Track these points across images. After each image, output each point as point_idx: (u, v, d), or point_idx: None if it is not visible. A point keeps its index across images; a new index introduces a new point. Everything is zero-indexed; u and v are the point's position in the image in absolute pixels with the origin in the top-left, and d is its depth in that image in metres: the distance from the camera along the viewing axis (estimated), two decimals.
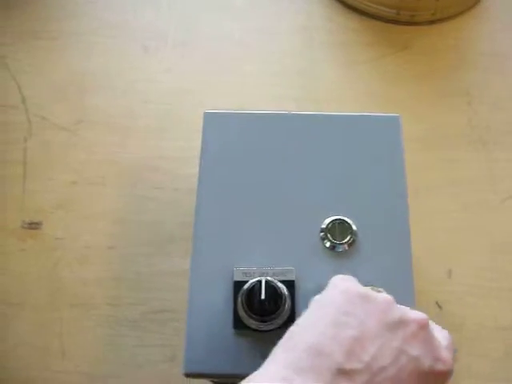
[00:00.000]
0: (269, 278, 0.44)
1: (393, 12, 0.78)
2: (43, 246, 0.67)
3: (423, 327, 0.38)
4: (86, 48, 0.81)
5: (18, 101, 0.76)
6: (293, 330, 0.36)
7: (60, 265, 0.66)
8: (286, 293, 0.45)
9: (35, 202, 0.69)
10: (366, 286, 0.42)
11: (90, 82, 0.78)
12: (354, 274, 0.46)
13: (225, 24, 0.83)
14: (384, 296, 0.38)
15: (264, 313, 0.43)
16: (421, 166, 0.69)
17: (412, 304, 0.46)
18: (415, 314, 0.38)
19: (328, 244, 0.48)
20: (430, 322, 0.40)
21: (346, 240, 0.48)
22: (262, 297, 0.43)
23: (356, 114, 0.54)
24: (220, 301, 0.46)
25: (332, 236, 0.48)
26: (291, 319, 0.44)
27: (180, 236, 0.66)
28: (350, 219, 0.49)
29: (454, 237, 0.66)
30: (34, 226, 0.68)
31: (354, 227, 0.49)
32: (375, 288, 0.42)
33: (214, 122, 0.54)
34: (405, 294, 0.46)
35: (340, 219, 0.49)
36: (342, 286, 0.38)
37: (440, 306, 0.63)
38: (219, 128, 0.53)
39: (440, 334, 0.41)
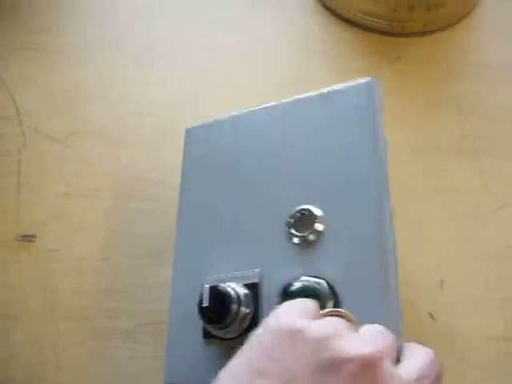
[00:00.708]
0: (218, 284, 0.43)
1: (385, 24, 0.79)
2: (37, 258, 0.67)
3: (368, 366, 0.30)
4: (79, 60, 0.81)
5: (13, 112, 0.76)
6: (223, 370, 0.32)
7: (55, 277, 0.66)
8: (241, 297, 0.44)
9: (29, 215, 0.69)
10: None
11: (83, 93, 0.78)
12: (322, 270, 0.44)
13: (219, 35, 0.83)
14: (317, 331, 0.31)
15: (209, 320, 0.42)
16: (412, 175, 0.70)
17: (378, 301, 0.41)
18: (359, 350, 0.30)
19: (295, 240, 0.46)
20: (404, 345, 0.36)
21: (310, 230, 0.45)
22: (205, 304, 0.42)
23: (324, 91, 0.51)
24: (196, 311, 0.45)
25: (296, 228, 0.46)
26: (254, 323, 0.43)
27: (172, 247, 0.66)
28: (318, 209, 0.46)
29: (446, 247, 0.67)
30: (28, 238, 0.68)
31: (320, 215, 0.46)
32: (337, 311, 0.37)
33: (194, 137, 0.54)
34: (372, 290, 0.42)
35: (305, 209, 0.46)
36: (273, 321, 0.33)
37: (433, 317, 0.64)
38: (198, 141, 0.54)
39: (414, 361, 0.35)
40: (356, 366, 0.29)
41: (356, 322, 0.36)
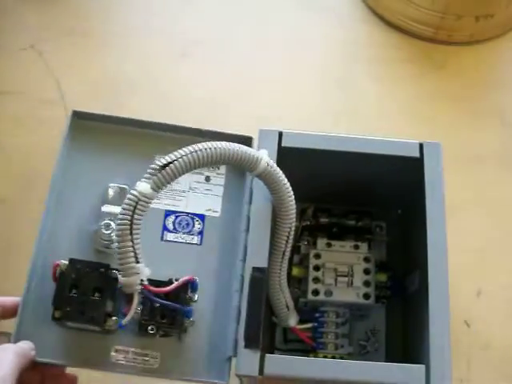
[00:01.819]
0: None
1: (431, 31, 0.79)
2: None
3: None
4: (126, 49, 0.82)
5: (58, 97, 0.77)
6: None
7: None
8: None
9: None
10: None
11: (127, 82, 0.79)
12: None
13: (265, 34, 0.84)
14: None
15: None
16: (454, 184, 0.69)
17: None
18: None
19: None
20: None
21: None
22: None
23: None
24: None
25: None
26: None
27: None
28: None
29: (484, 257, 0.67)
30: None
31: None
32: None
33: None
34: None
35: None
36: None
37: (468, 325, 0.64)
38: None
39: None
40: None
41: None
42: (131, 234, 0.43)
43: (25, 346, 0.45)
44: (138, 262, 0.44)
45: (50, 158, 0.72)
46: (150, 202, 0.44)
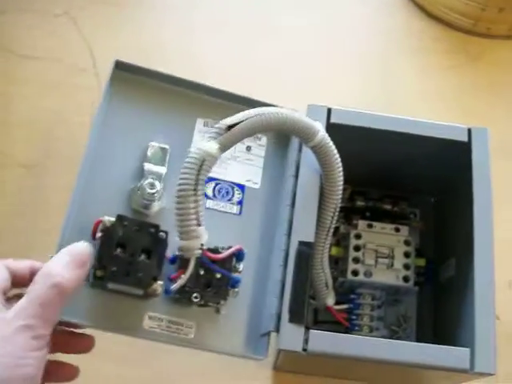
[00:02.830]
0: None
1: (470, 23, 0.79)
2: None
3: None
4: (159, 19, 0.81)
5: (90, 64, 0.76)
6: None
7: None
8: None
9: None
10: None
11: (161, 52, 0.78)
12: None
13: (304, 20, 0.83)
14: None
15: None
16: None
17: None
18: None
19: None
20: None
21: None
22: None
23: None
24: None
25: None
26: None
27: None
28: None
29: None
30: None
31: None
32: None
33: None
34: None
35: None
36: None
37: (498, 317, 0.63)
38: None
39: None
40: None
41: None
42: (195, 194, 0.41)
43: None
44: (199, 225, 0.42)
45: (80, 125, 0.72)
46: (215, 163, 0.43)
